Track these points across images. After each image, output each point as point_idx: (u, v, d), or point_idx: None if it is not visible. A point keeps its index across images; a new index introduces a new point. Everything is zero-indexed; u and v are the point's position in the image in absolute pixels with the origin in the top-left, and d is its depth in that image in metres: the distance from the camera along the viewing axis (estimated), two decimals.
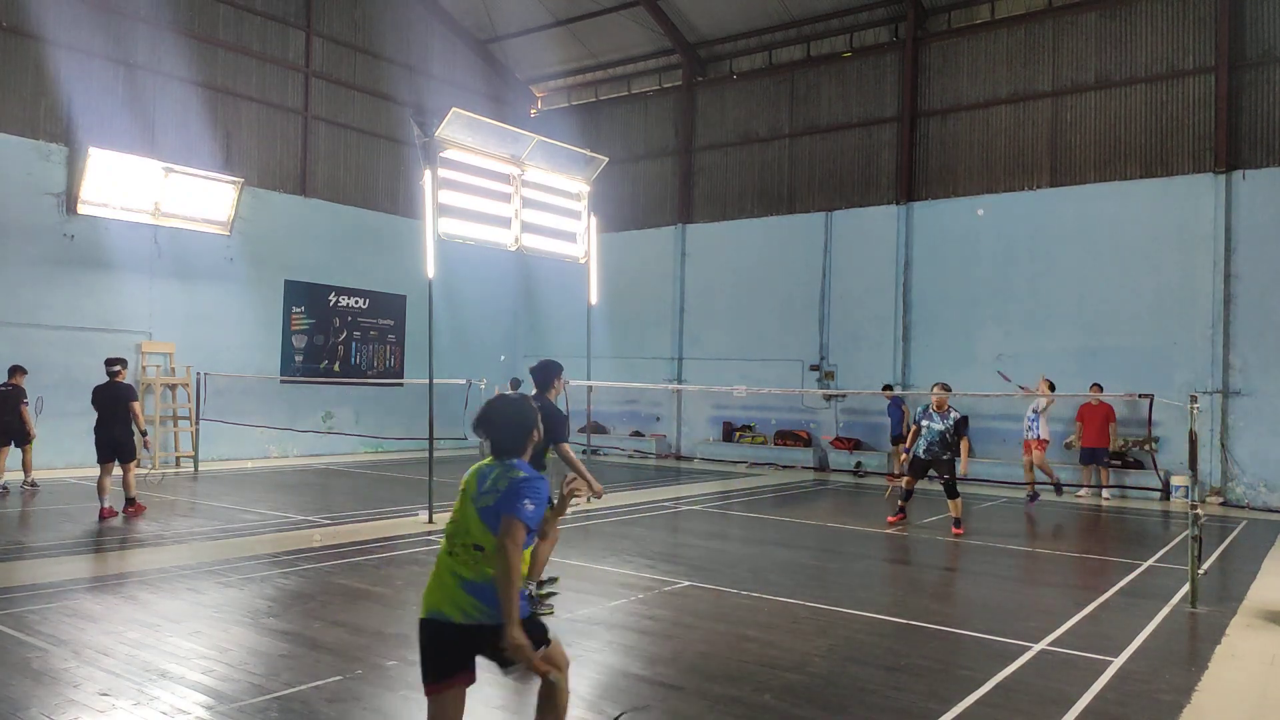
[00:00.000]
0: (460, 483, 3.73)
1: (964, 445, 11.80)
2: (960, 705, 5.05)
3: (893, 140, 19.31)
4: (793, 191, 20.65)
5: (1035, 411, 14.97)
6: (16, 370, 13.35)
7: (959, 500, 11.59)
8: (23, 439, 13.18)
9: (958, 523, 11.51)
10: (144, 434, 11.48)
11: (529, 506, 3.49)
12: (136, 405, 11.23)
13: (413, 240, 18.23)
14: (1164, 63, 16.41)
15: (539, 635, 3.60)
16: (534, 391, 7.18)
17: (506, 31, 23.26)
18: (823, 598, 7.63)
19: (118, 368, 11.29)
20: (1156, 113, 16.44)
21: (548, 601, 7.05)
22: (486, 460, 3.74)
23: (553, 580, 7.35)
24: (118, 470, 11.14)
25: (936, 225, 18.59)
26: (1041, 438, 14.87)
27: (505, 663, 3.61)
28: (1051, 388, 14.96)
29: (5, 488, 12.96)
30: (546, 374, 7.20)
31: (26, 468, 13.38)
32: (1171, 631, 6.84)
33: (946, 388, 11.78)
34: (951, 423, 11.52)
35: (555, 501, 3.99)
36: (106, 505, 10.83)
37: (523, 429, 3.73)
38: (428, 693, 3.62)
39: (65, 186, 16.02)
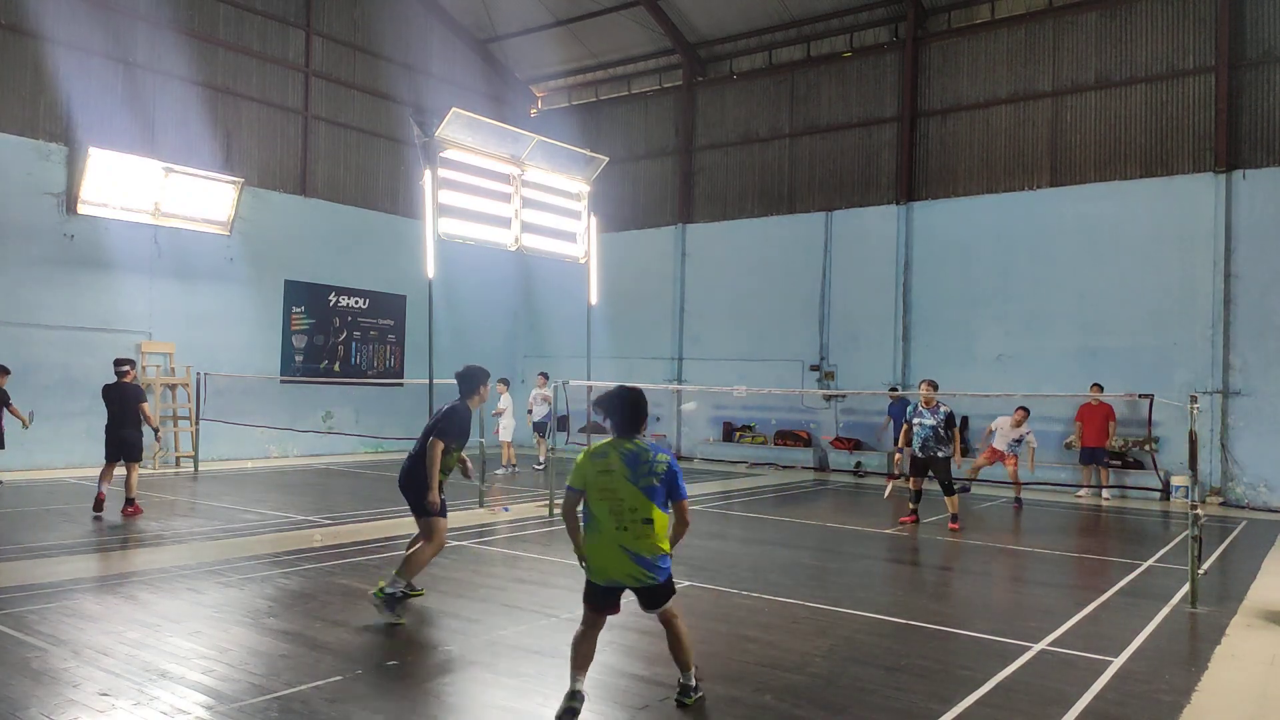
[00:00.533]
0: (594, 464, 4.74)
1: (955, 437, 11.79)
2: (960, 705, 5.04)
3: (893, 140, 19.31)
4: (793, 191, 20.65)
5: (1017, 441, 14.40)
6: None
7: (955, 497, 11.64)
8: None
9: (954, 518, 11.55)
10: (156, 431, 11.78)
11: (685, 486, 4.84)
12: (146, 406, 11.29)
13: (413, 240, 18.23)
14: (1164, 63, 16.42)
15: (672, 587, 4.88)
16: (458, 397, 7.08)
17: (506, 31, 23.26)
18: (823, 598, 7.62)
19: (126, 368, 11.30)
20: (1156, 113, 16.44)
21: (404, 604, 6.77)
22: (620, 441, 4.81)
23: (415, 592, 7.08)
24: (120, 470, 11.17)
25: (936, 225, 18.59)
26: (1017, 452, 14.53)
27: (652, 606, 4.84)
28: (1025, 411, 14.62)
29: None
30: (471, 382, 7.10)
31: None
32: (1171, 631, 6.83)
33: (934, 385, 11.84)
34: (942, 417, 11.58)
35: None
36: (103, 490, 10.94)
37: (637, 413, 4.86)
38: (590, 609, 4.87)
39: (65, 186, 16.02)
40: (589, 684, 5.36)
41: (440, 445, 6.73)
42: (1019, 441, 14.39)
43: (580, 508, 4.83)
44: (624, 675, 5.51)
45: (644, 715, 4.85)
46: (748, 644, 6.19)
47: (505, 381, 17.88)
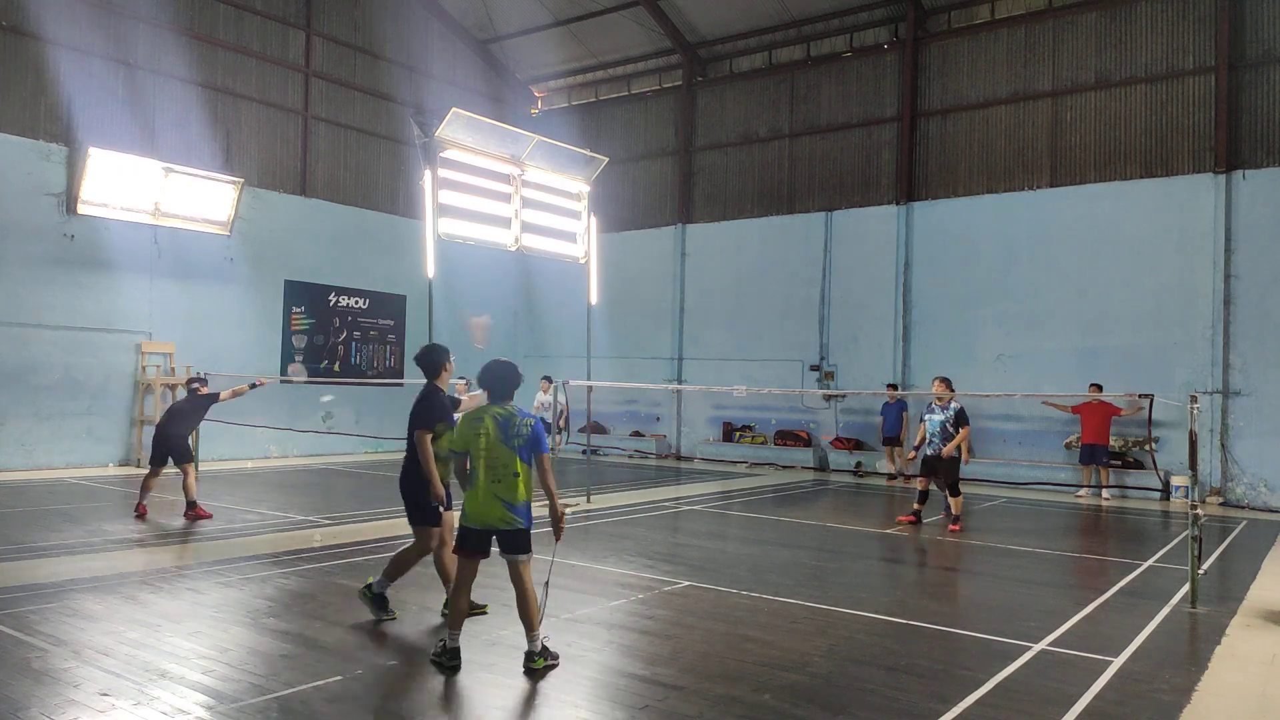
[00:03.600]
0: (472, 428, 5.58)
1: (964, 433, 11.54)
2: (960, 705, 5.04)
3: (893, 140, 19.31)
4: (793, 191, 20.65)
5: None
6: None
7: (960, 499, 11.61)
8: None
9: (955, 520, 11.51)
10: (254, 385, 12.11)
11: (547, 442, 5.72)
12: (223, 393, 11.55)
13: (413, 240, 18.23)
14: (1164, 63, 16.41)
15: (530, 539, 5.66)
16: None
17: (506, 31, 23.27)
18: (822, 598, 7.62)
19: (196, 385, 11.61)
20: (1156, 113, 16.44)
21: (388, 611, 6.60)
22: (493, 408, 5.66)
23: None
24: (166, 473, 11.50)
25: (936, 225, 18.59)
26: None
27: (513, 551, 5.59)
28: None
29: None
30: (431, 362, 6.70)
31: None
32: (1171, 631, 6.83)
33: (947, 382, 11.68)
34: (952, 414, 11.48)
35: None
36: (144, 503, 11.04)
37: (507, 383, 5.80)
38: (463, 557, 5.64)
39: (65, 186, 16.02)
40: (586, 684, 5.37)
41: (427, 435, 6.36)
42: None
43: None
44: (624, 675, 5.51)
45: (644, 715, 4.85)
46: (747, 644, 6.19)
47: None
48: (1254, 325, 15.25)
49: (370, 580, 6.68)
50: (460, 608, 5.61)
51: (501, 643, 6.09)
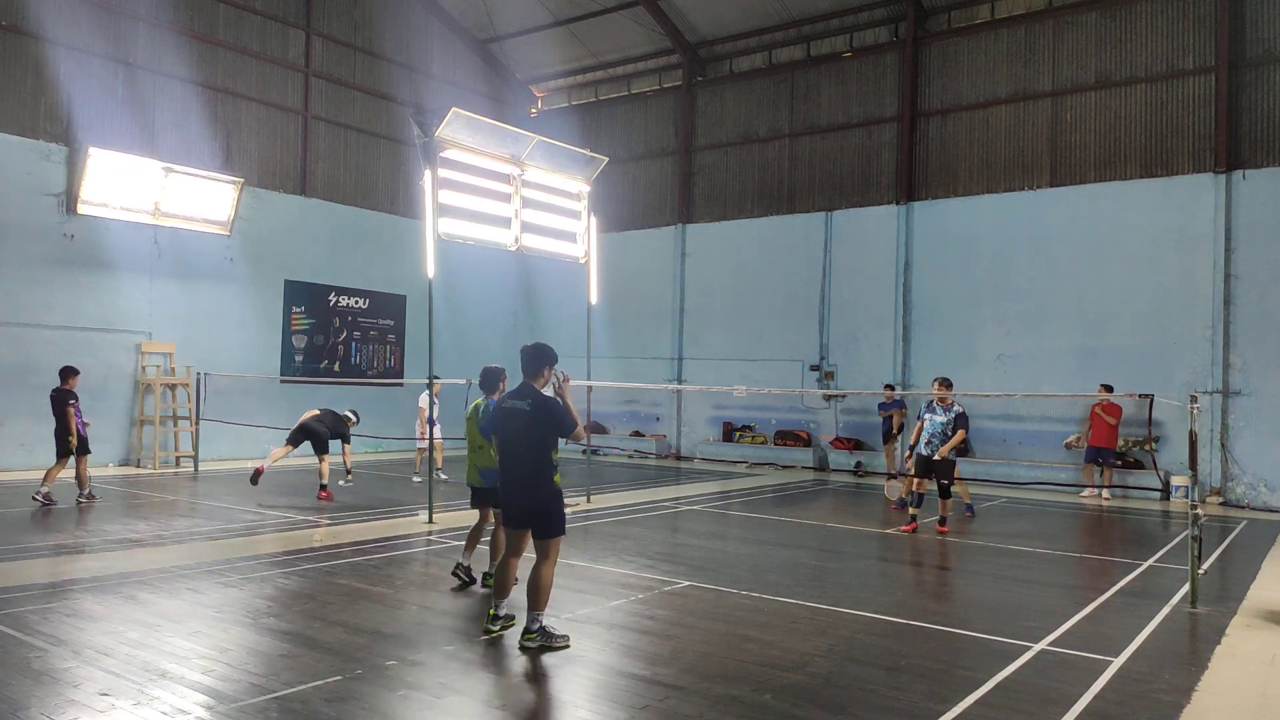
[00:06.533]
0: (469, 411, 7.80)
1: (960, 435, 11.36)
2: (960, 705, 5.04)
3: (893, 140, 19.31)
4: (793, 191, 20.65)
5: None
6: None
7: (950, 501, 11.56)
8: None
9: (943, 520, 11.48)
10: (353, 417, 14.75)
11: (490, 430, 7.12)
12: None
13: (413, 240, 18.24)
14: (1164, 63, 16.41)
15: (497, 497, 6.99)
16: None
17: (506, 31, 23.27)
18: (822, 598, 7.63)
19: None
20: (1156, 113, 16.44)
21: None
22: (479, 402, 7.77)
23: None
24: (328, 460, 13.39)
25: (936, 225, 18.59)
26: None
27: (487, 504, 7.81)
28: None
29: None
30: (537, 363, 6.24)
31: None
32: (1171, 631, 6.83)
33: (946, 383, 11.59)
34: (953, 416, 11.40)
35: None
36: (264, 465, 13.02)
37: (494, 381, 7.81)
38: (476, 506, 8.12)
39: (65, 186, 16.02)
40: (587, 683, 5.38)
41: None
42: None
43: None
44: (624, 675, 5.51)
45: (644, 715, 4.85)
46: (747, 644, 6.19)
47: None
48: (1254, 325, 15.25)
49: (526, 634, 5.99)
50: (474, 539, 8.07)
51: (502, 643, 6.09)
